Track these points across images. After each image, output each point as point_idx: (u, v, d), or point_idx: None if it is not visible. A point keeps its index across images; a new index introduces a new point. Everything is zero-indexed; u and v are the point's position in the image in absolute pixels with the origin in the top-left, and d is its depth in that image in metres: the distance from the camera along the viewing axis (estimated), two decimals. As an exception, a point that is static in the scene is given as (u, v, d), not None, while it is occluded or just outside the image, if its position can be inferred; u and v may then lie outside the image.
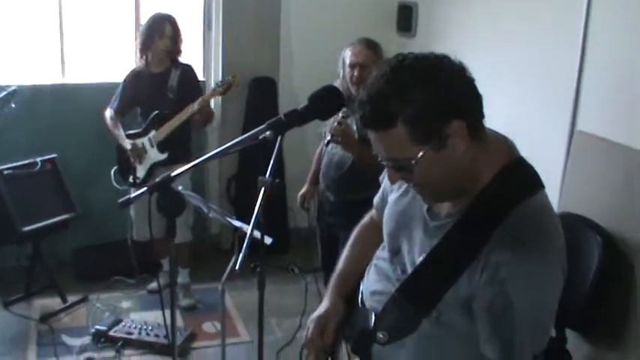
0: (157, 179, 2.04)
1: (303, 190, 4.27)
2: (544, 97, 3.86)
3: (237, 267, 2.54)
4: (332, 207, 3.90)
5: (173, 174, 2.05)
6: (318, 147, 4.12)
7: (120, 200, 2.19)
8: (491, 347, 1.57)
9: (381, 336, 1.64)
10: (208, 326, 4.66)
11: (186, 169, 2.10)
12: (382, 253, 1.85)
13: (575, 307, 3.23)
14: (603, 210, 3.36)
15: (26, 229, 4.65)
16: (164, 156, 4.60)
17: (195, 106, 4.46)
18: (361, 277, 1.92)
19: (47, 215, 4.82)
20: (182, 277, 4.96)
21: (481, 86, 1.65)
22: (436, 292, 1.57)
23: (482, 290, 1.52)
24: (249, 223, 2.72)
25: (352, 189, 3.55)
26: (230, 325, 4.55)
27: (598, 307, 3.25)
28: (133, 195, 2.21)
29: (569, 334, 3.38)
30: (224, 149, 2.05)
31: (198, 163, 2.12)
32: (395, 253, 1.76)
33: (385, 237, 1.82)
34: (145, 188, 2.07)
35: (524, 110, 3.99)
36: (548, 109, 3.81)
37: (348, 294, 1.94)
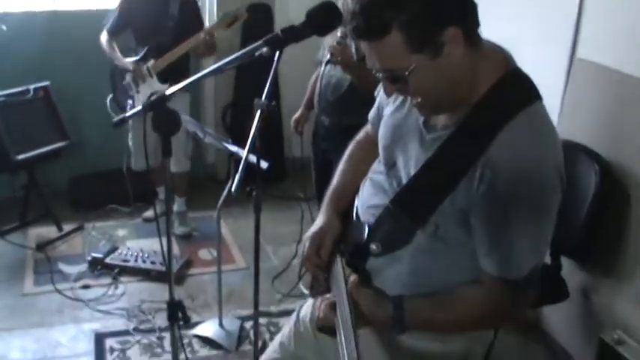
0: (152, 98, 1.99)
1: (297, 115, 4.26)
2: (544, 25, 3.81)
3: (233, 189, 2.54)
4: (326, 132, 3.88)
5: (168, 92, 2.02)
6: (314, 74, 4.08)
7: (114, 119, 2.16)
8: (490, 261, 1.56)
9: (374, 247, 1.64)
10: (204, 253, 4.68)
11: (182, 86, 2.06)
12: (378, 167, 1.83)
13: (570, 235, 3.23)
14: (601, 138, 3.35)
15: (20, 157, 4.64)
16: (165, 86, 4.50)
17: (201, 36, 4.36)
18: (356, 192, 1.90)
19: (41, 144, 4.80)
20: (178, 206, 4.97)
21: (480, 12, 1.61)
22: (431, 202, 1.56)
23: (480, 202, 1.50)
24: (244, 149, 2.72)
25: (348, 112, 3.52)
26: (226, 252, 4.58)
27: (593, 236, 3.26)
28: (127, 114, 2.18)
29: (564, 261, 3.39)
30: (220, 66, 2.02)
31: (194, 80, 2.09)
32: (390, 166, 1.74)
33: (381, 151, 1.79)
34: (140, 107, 2.03)
35: (524, 37, 3.93)
36: (548, 37, 3.76)
37: (344, 209, 1.92)
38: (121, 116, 2.17)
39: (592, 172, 3.22)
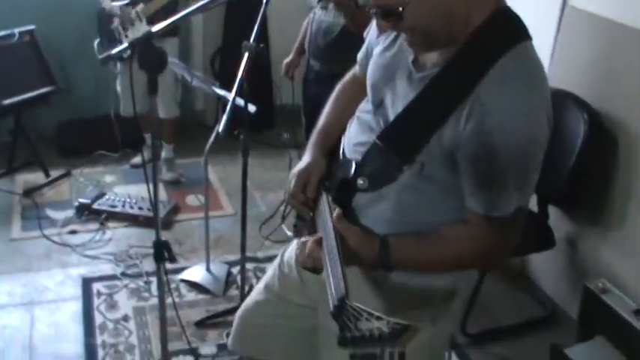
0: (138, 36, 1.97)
1: (288, 59, 4.24)
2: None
3: (220, 130, 2.53)
4: (317, 77, 3.87)
5: (154, 29, 1.99)
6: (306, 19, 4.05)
7: (100, 56, 2.14)
8: (475, 199, 1.55)
9: (361, 182, 1.62)
10: (192, 199, 4.68)
11: (168, 23, 2.04)
12: (365, 106, 1.81)
13: (558, 184, 3.25)
14: (591, 87, 3.34)
15: (6, 102, 4.58)
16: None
17: None
18: (343, 132, 1.88)
19: (27, 89, 4.73)
20: (166, 152, 4.93)
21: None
22: (419, 138, 1.54)
23: (467, 140, 1.49)
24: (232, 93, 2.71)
25: (338, 58, 3.47)
26: (214, 198, 4.57)
27: (581, 185, 3.27)
28: (114, 50, 2.14)
29: (552, 210, 3.41)
30: (207, 3, 1.99)
31: (181, 17, 2.07)
32: (378, 105, 1.72)
33: (369, 89, 1.77)
34: (127, 44, 2.01)
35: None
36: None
37: (331, 148, 1.91)
38: (107, 53, 2.15)
39: (581, 121, 3.22)
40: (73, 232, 4.23)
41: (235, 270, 3.78)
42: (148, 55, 1.95)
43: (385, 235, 1.63)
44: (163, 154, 4.92)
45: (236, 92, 2.65)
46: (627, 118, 3.16)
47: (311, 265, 1.62)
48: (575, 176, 3.23)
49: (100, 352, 3.23)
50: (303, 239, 1.64)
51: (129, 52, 1.98)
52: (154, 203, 2.26)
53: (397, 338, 1.22)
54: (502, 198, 1.54)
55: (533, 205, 3.40)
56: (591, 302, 3.20)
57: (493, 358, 3.35)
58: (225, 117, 2.51)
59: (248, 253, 3.48)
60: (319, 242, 1.55)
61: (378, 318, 1.24)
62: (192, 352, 3.21)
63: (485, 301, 3.57)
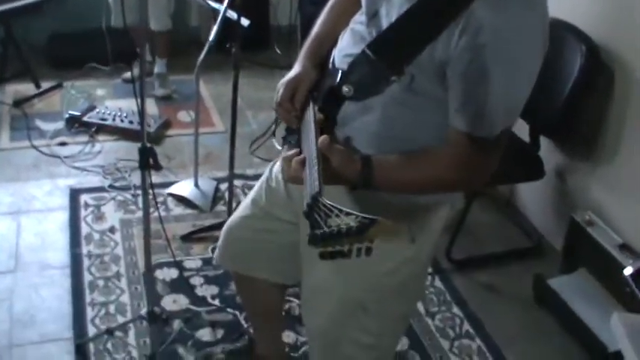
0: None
1: None
2: None
3: (210, 39, 2.49)
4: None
5: None
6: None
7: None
8: (461, 117, 1.53)
9: (346, 89, 1.59)
10: (183, 115, 4.64)
11: None
12: (359, 17, 1.76)
13: (551, 115, 3.23)
14: (590, 17, 3.29)
15: (-4, 9, 4.51)
16: None
17: None
18: (335, 43, 1.84)
19: (18, -4, 4.66)
20: (159, 67, 4.87)
21: None
22: (410, 50, 1.51)
23: (459, 55, 1.46)
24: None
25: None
26: (205, 115, 4.55)
27: (574, 117, 3.25)
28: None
29: (543, 141, 3.40)
30: None
31: None
32: (372, 16, 1.68)
33: (363, 0, 1.73)
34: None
35: None
36: None
37: (321, 59, 1.87)
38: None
39: (578, 53, 3.18)
40: (62, 143, 4.20)
41: (224, 187, 3.77)
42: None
43: (368, 155, 1.60)
44: (156, 69, 4.86)
45: (228, 3, 2.60)
46: (627, 54, 3.12)
47: (294, 184, 1.60)
48: (569, 108, 3.21)
49: (86, 262, 3.25)
50: (288, 153, 1.61)
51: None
52: (141, 111, 2.23)
53: (364, 232, 1.19)
54: (487, 118, 1.51)
55: (524, 135, 3.39)
56: (577, 234, 3.22)
57: (477, 285, 3.37)
58: (215, 27, 2.47)
59: (237, 170, 3.48)
60: (303, 163, 1.52)
61: (348, 214, 1.22)
62: (177, 264, 3.23)
63: (472, 229, 3.59)
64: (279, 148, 1.96)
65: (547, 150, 3.46)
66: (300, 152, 1.58)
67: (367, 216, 1.20)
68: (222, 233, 2.29)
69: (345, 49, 1.75)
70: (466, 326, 3.12)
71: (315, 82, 1.80)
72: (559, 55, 3.23)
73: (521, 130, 3.33)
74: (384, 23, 1.61)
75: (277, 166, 2.12)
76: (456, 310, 3.20)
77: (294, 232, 2.01)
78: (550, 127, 3.32)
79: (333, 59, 1.78)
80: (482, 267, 3.47)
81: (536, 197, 3.74)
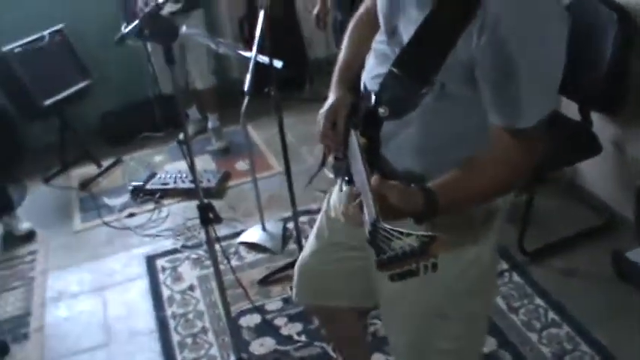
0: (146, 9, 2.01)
1: (315, 10, 4.26)
2: None
3: (245, 89, 2.56)
4: (342, 26, 3.87)
5: (160, 0, 2.02)
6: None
7: (116, 37, 2.18)
8: (497, 112, 1.53)
9: (382, 110, 1.62)
10: (241, 164, 4.75)
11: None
12: (380, 37, 1.79)
13: (596, 87, 3.20)
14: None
15: (47, 102, 4.74)
16: (179, 5, 4.44)
17: None
18: (363, 64, 1.88)
19: (65, 86, 4.89)
20: (212, 122, 5.03)
21: None
22: (433, 59, 1.53)
23: (483, 52, 1.47)
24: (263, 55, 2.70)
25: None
26: (261, 160, 4.66)
27: (619, 85, 3.21)
28: (125, 30, 2.19)
29: (595, 117, 3.37)
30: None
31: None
32: (392, 33, 1.70)
33: (381, 19, 1.76)
34: (137, 21, 2.05)
35: None
36: None
37: (353, 83, 1.90)
38: (120, 33, 2.19)
39: (609, 20, 3.16)
40: (131, 215, 4.35)
41: (291, 225, 3.81)
42: (157, 26, 1.99)
43: (427, 186, 1.58)
44: (210, 125, 5.03)
45: (257, 50, 2.67)
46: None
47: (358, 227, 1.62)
48: (612, 78, 3.17)
49: (172, 323, 3.34)
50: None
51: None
52: (192, 173, 2.32)
53: (427, 250, 1.25)
54: (524, 105, 1.52)
55: (575, 114, 3.37)
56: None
57: (555, 272, 3.34)
58: (248, 76, 2.53)
59: (301, 207, 3.52)
60: (361, 207, 1.53)
61: (408, 235, 1.27)
62: (257, 309, 3.28)
63: (541, 217, 3.56)
64: (332, 176, 2.00)
65: (600, 124, 3.43)
66: (352, 180, 1.61)
67: (426, 234, 1.25)
68: (295, 273, 2.32)
69: (373, 70, 1.78)
70: (551, 315, 3.09)
71: (351, 107, 1.83)
72: (592, 28, 3.21)
73: (571, 109, 3.31)
74: (405, 38, 1.63)
75: (334, 195, 2.16)
76: (538, 301, 3.17)
77: (361, 257, 2.01)
78: (597, 99, 3.29)
79: (364, 83, 1.82)
80: (558, 253, 3.43)
81: (599, 173, 3.70)
